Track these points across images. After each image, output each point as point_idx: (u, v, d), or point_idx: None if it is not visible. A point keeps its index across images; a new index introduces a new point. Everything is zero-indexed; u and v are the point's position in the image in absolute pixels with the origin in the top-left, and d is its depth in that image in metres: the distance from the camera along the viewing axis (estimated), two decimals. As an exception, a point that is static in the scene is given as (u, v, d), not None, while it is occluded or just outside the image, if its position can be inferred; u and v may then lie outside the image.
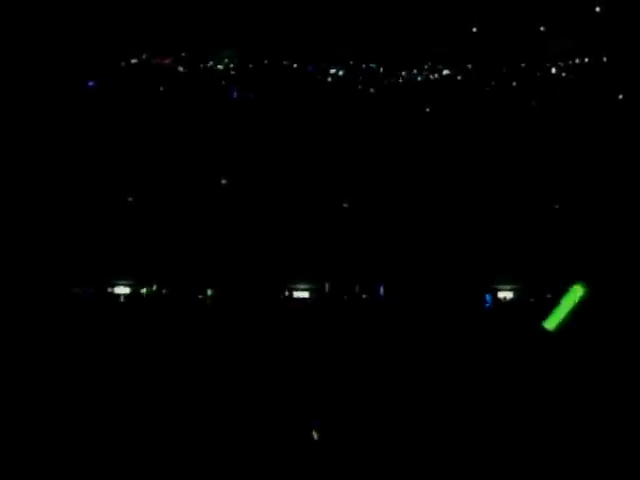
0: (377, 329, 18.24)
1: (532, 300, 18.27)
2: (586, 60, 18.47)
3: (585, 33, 18.31)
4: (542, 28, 18.28)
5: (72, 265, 18.61)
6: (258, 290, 18.85)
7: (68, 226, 18.67)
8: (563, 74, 18.54)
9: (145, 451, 11.59)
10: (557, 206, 18.25)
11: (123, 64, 19.06)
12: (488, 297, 18.45)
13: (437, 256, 18.91)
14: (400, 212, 18.95)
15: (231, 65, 18.53)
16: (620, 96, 18.55)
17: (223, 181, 18.93)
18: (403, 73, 18.69)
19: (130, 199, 18.84)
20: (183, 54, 18.68)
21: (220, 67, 18.68)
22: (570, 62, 18.45)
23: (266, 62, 18.69)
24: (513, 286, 18.25)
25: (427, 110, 18.82)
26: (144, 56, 18.91)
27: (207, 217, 19.02)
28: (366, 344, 17.46)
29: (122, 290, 18.74)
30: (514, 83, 18.62)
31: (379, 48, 18.61)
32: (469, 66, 18.58)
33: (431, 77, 18.61)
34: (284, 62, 18.61)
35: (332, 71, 18.68)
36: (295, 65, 18.70)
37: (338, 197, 19.11)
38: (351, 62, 18.61)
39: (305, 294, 18.77)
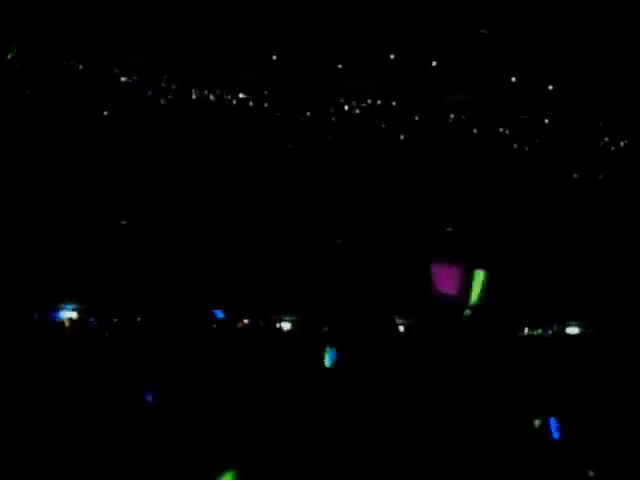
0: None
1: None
2: (379, 102, 18.77)
3: (380, 76, 18.66)
4: (340, 66, 18.41)
5: None
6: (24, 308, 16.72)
7: None
8: (356, 111, 18.70)
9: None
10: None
11: None
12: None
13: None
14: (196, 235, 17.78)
15: (16, 64, 16.98)
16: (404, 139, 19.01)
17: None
18: (197, 91, 17.97)
19: None
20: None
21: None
22: (363, 103, 18.67)
23: (50, 61, 17.25)
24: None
25: (218, 131, 18.16)
26: None
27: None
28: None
29: None
30: (308, 114, 18.50)
31: (177, 63, 17.85)
32: (266, 93, 18.22)
33: (227, 98, 18.04)
34: (71, 62, 17.28)
35: (123, 79, 17.57)
36: (81, 66, 17.40)
37: (116, 216, 17.64)
38: (147, 74, 17.65)
39: (73, 314, 16.76)
